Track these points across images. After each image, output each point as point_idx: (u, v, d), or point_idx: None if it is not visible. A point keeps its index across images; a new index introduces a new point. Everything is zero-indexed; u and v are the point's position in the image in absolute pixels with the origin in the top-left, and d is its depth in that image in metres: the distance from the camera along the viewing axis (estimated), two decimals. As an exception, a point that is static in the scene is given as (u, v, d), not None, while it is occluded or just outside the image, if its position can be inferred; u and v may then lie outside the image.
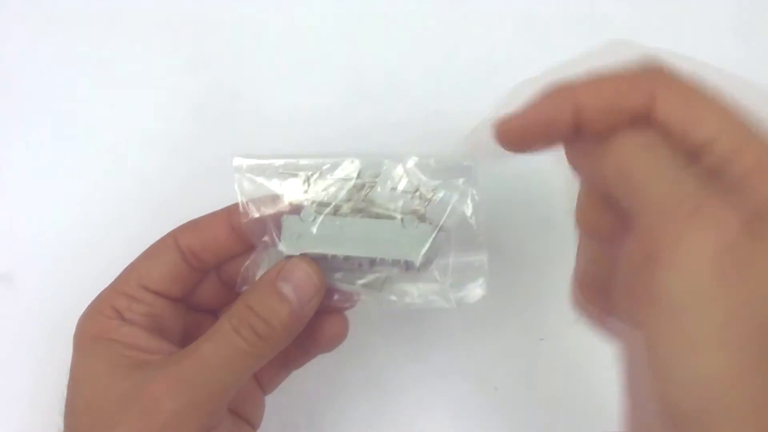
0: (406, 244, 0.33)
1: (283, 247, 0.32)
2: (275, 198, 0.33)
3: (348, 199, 0.33)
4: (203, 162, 0.43)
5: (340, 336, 0.35)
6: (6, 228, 0.43)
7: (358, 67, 0.45)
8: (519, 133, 0.26)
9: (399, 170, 0.33)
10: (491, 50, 0.46)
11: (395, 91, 0.45)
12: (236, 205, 0.33)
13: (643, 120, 0.24)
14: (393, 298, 0.33)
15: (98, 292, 0.34)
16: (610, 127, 0.25)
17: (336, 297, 0.33)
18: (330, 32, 0.46)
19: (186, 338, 0.32)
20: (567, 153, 0.28)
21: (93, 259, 0.41)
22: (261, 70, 0.45)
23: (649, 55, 0.26)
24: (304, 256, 0.32)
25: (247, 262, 0.33)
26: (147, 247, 0.34)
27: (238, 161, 0.33)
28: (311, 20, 0.46)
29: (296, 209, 0.33)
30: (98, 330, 0.32)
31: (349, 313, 0.34)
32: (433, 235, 0.33)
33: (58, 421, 0.32)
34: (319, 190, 0.33)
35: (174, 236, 0.34)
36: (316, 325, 0.34)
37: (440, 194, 0.33)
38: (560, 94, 0.26)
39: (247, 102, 0.45)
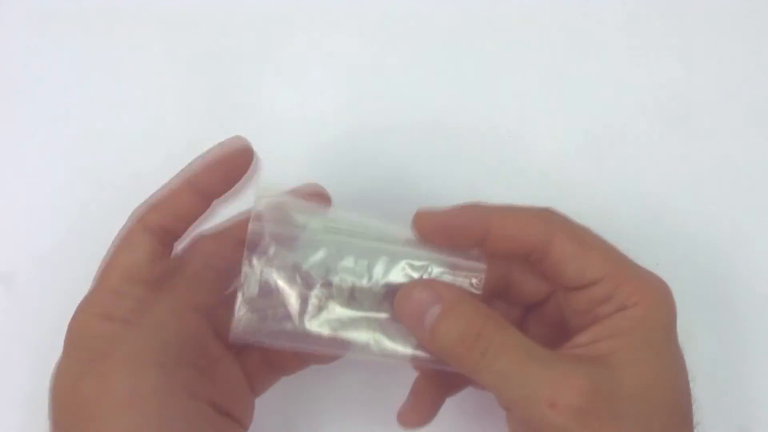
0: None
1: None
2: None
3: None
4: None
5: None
6: (6, 228, 0.43)
7: (361, 69, 0.45)
8: (431, 228, 0.32)
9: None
10: (496, 56, 0.46)
11: (398, 95, 0.45)
12: (193, 167, 0.34)
13: (539, 252, 0.32)
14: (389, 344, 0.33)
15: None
16: (510, 253, 0.32)
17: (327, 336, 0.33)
18: (334, 35, 0.46)
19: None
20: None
21: (93, 260, 0.41)
22: (262, 70, 0.45)
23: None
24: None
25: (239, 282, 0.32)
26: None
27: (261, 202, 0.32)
28: (313, 20, 0.46)
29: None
30: (84, 330, 0.32)
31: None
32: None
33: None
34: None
35: (141, 220, 0.33)
36: None
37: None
38: (475, 213, 0.32)
39: (247, 104, 0.45)
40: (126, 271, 0.33)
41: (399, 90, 0.45)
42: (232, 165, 0.34)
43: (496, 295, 0.35)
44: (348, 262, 0.32)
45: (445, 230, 0.33)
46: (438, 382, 0.36)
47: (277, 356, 0.36)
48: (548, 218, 0.33)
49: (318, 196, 0.35)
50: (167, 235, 0.34)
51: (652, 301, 0.31)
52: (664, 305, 0.32)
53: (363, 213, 0.33)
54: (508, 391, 0.30)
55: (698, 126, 0.45)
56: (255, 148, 0.44)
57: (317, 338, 0.32)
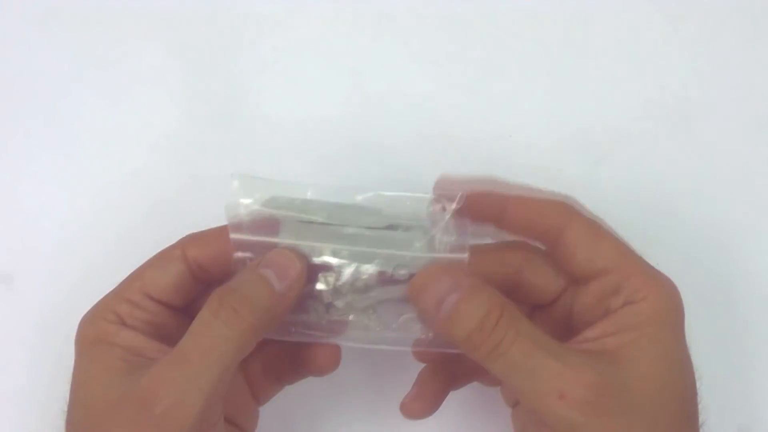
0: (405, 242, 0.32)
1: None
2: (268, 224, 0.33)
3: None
4: (203, 164, 0.43)
5: (332, 364, 0.35)
6: (6, 228, 0.43)
7: (362, 73, 0.45)
8: (452, 190, 0.33)
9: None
10: (497, 56, 0.46)
11: (399, 96, 0.45)
12: None
13: (552, 237, 0.33)
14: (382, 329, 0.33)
15: (98, 293, 0.34)
16: (525, 233, 0.34)
17: (325, 321, 0.33)
18: (335, 36, 0.46)
19: None
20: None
21: (93, 260, 0.41)
22: (261, 72, 0.45)
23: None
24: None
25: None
26: (150, 251, 0.34)
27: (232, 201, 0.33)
28: (315, 23, 0.46)
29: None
30: (98, 334, 0.32)
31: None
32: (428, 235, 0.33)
33: (57, 423, 0.32)
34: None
35: (182, 247, 0.34)
36: (309, 352, 0.35)
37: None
38: (497, 185, 0.34)
39: (247, 104, 0.45)
40: (148, 287, 0.33)
41: (399, 91, 0.45)
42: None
43: (506, 293, 0.35)
44: (329, 260, 0.32)
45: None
46: (442, 374, 0.36)
47: (276, 367, 0.36)
48: (565, 205, 0.33)
49: None
50: (201, 272, 0.34)
51: (661, 298, 0.32)
52: (672, 303, 0.32)
53: (341, 193, 0.33)
54: (518, 381, 0.30)
55: (699, 126, 0.44)
56: (254, 152, 0.44)
57: (314, 333, 0.33)
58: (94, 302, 0.34)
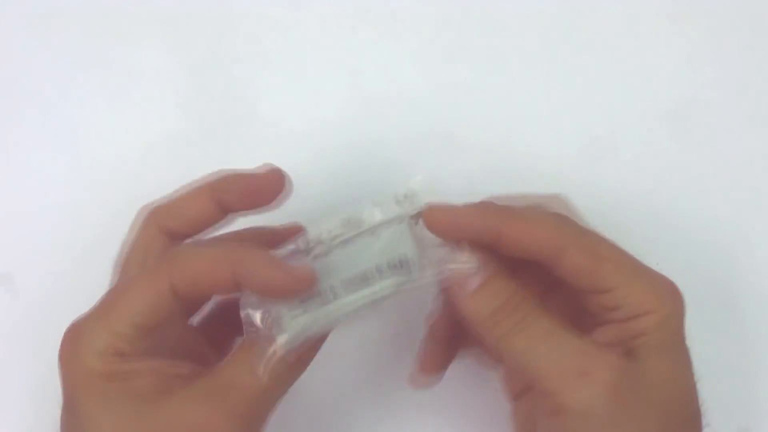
0: (389, 248, 0.32)
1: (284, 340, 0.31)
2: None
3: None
4: (202, 164, 0.43)
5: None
6: (6, 228, 0.43)
7: (362, 72, 0.45)
8: (443, 224, 0.32)
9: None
10: (497, 57, 0.46)
11: (399, 97, 0.45)
12: (215, 176, 0.33)
13: (550, 262, 0.31)
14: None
15: (98, 293, 0.33)
16: (522, 258, 0.32)
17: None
18: (334, 36, 0.46)
19: (193, 345, 0.33)
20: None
21: (93, 260, 0.41)
22: (260, 71, 0.45)
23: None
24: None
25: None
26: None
27: None
28: (315, 23, 0.46)
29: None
30: (108, 370, 0.30)
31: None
32: (408, 226, 0.32)
33: (56, 423, 0.32)
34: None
35: (155, 222, 0.33)
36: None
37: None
38: (488, 217, 0.32)
39: (246, 103, 0.45)
40: (137, 317, 0.31)
41: (399, 92, 0.45)
42: (257, 184, 0.33)
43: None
44: (345, 274, 0.32)
45: (457, 230, 0.32)
46: (444, 345, 0.36)
47: (231, 316, 0.34)
48: (560, 228, 0.32)
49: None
50: (176, 239, 0.33)
51: (665, 307, 0.31)
52: (675, 308, 0.32)
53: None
54: (537, 359, 0.30)
55: (700, 127, 0.45)
56: (253, 152, 0.44)
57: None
58: (95, 301, 0.33)
